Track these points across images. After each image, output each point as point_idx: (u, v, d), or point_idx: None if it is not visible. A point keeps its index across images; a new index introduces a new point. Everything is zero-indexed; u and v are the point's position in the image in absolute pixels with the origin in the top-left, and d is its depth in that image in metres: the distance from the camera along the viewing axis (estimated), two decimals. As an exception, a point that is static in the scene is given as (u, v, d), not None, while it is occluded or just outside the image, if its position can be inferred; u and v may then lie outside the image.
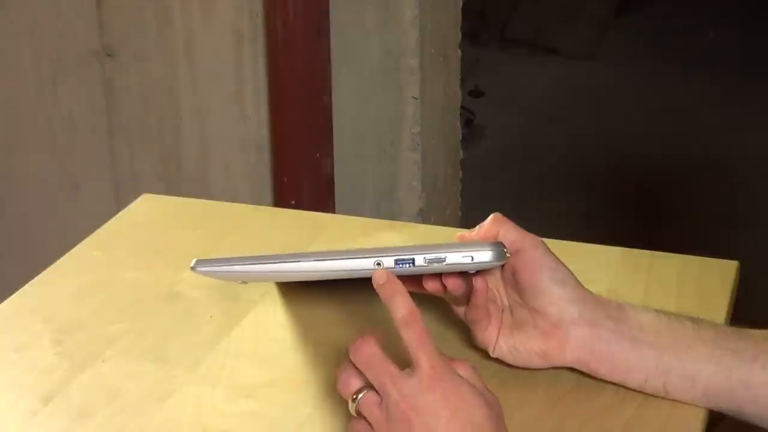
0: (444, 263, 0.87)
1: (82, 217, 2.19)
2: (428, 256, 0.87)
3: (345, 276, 0.93)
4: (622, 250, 1.15)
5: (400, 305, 0.83)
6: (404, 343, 0.82)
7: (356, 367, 0.83)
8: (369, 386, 0.82)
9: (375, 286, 0.85)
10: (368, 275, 0.88)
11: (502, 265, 0.94)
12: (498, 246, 0.88)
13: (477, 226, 0.94)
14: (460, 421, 0.79)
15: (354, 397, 0.82)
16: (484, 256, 0.87)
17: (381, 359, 0.82)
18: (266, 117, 2.07)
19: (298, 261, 0.91)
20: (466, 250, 0.87)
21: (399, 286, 0.84)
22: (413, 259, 0.87)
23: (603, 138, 3.50)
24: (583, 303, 0.92)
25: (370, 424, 0.82)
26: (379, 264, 0.87)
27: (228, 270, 0.97)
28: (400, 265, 0.87)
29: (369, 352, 0.82)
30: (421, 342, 0.81)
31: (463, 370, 0.82)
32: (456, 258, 0.86)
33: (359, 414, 0.82)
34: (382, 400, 0.81)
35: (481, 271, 0.91)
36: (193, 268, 0.96)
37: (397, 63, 2.03)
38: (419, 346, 0.81)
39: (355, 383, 0.83)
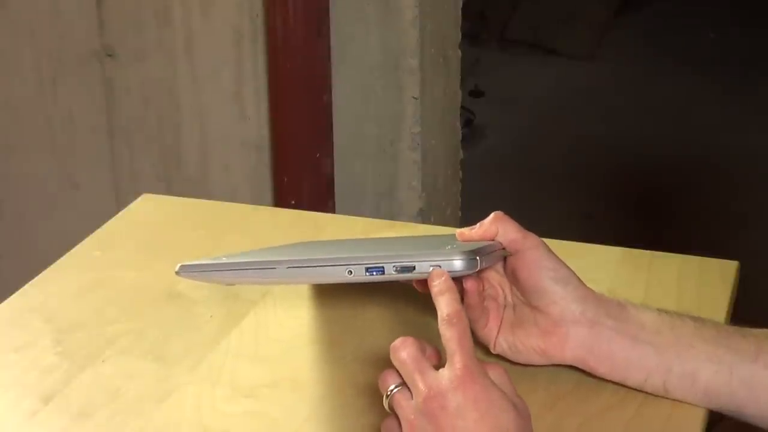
0: (414, 272, 0.87)
1: (82, 217, 2.19)
2: (397, 265, 0.87)
3: (319, 282, 0.97)
4: (622, 250, 1.15)
5: (447, 303, 0.83)
6: (443, 342, 0.82)
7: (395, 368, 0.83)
8: (404, 383, 0.82)
9: (429, 282, 0.86)
10: (341, 282, 0.89)
11: (504, 265, 0.94)
12: (469, 255, 0.87)
13: (478, 224, 0.94)
14: (488, 426, 0.79)
15: (388, 393, 0.83)
16: (452, 265, 0.86)
17: (416, 358, 0.82)
18: (266, 117, 2.07)
19: (273, 268, 0.93)
20: (434, 259, 0.86)
21: (450, 285, 0.85)
22: (383, 268, 0.87)
23: (603, 138, 3.50)
24: (585, 301, 0.92)
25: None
26: (350, 272, 0.88)
27: (208, 276, 0.98)
28: (371, 273, 0.87)
29: (406, 351, 0.82)
30: (460, 342, 0.81)
31: (495, 374, 0.82)
32: (424, 267, 0.86)
33: (392, 410, 0.83)
34: (413, 400, 0.81)
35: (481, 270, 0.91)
36: (177, 273, 0.97)
37: (397, 63, 2.03)
38: (457, 345, 0.81)
39: (391, 380, 0.83)
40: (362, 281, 0.89)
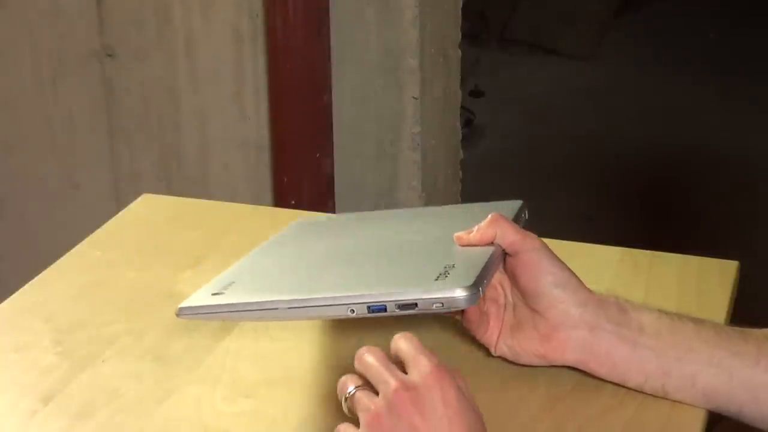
0: (416, 308, 0.86)
1: (82, 217, 2.19)
2: (399, 303, 0.86)
3: (321, 319, 0.99)
4: (622, 250, 1.15)
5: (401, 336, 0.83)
6: (401, 354, 0.81)
7: (357, 373, 0.83)
8: (365, 385, 0.81)
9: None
10: (342, 318, 0.89)
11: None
12: (472, 288, 0.85)
13: (475, 227, 0.92)
14: (464, 428, 0.78)
15: (347, 395, 0.81)
16: (455, 301, 0.85)
17: (384, 360, 0.81)
18: (266, 117, 2.07)
19: (275, 309, 0.92)
20: (437, 296, 0.85)
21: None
22: (385, 306, 0.87)
23: (603, 138, 3.50)
24: (585, 305, 0.91)
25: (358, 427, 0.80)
26: (352, 311, 0.88)
27: (208, 317, 0.98)
28: (372, 311, 0.87)
29: (374, 356, 0.82)
30: (420, 349, 0.81)
31: (460, 381, 0.81)
32: (427, 304, 0.85)
33: (351, 412, 0.81)
34: (377, 396, 0.80)
35: None
36: (177, 315, 0.96)
37: (397, 63, 2.03)
38: (418, 350, 0.80)
39: (352, 382, 0.82)
40: (365, 317, 0.89)
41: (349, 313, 0.88)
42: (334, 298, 0.89)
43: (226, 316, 0.97)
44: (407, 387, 0.78)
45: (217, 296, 0.96)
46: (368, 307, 0.87)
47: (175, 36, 2.07)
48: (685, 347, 0.90)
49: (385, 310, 0.87)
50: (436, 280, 0.87)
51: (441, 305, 0.85)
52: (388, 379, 0.79)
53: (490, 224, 0.92)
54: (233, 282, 0.98)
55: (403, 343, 0.82)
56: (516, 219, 1.00)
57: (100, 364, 0.99)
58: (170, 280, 1.11)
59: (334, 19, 2.00)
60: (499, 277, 0.94)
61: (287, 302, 0.91)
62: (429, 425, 0.77)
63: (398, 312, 0.86)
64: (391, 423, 0.78)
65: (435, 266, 0.89)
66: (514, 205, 1.03)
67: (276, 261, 1.06)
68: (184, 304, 0.96)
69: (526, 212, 1.03)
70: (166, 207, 1.33)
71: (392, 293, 0.87)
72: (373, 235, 1.09)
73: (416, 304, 0.86)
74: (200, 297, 0.97)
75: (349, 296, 0.88)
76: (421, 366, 0.79)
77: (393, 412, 0.78)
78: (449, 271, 0.88)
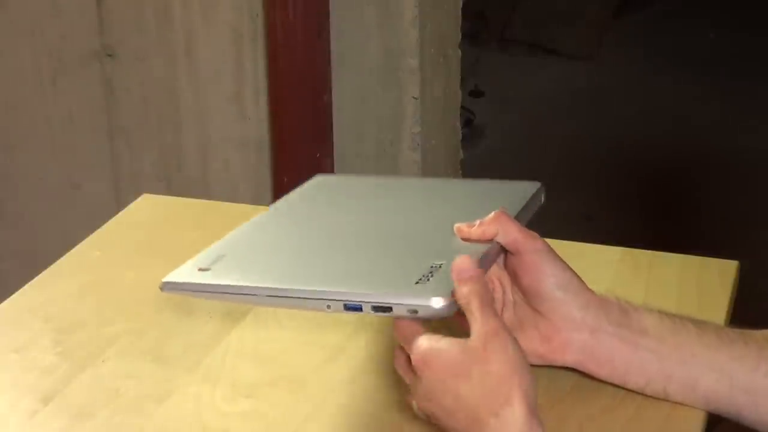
0: (391, 312, 0.85)
1: (82, 217, 2.19)
2: (375, 305, 0.85)
3: (299, 310, 0.98)
4: (622, 250, 1.15)
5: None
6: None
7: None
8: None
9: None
10: (321, 312, 0.89)
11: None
12: (448, 298, 0.83)
13: (477, 221, 0.91)
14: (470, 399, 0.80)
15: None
16: (431, 312, 0.83)
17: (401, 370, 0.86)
18: (266, 117, 2.07)
19: (254, 295, 0.91)
20: (411, 303, 0.84)
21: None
22: (360, 306, 0.86)
23: (602, 138, 3.50)
24: (587, 308, 0.90)
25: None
26: (329, 306, 0.87)
27: (191, 295, 0.96)
28: (348, 310, 0.86)
29: (399, 361, 0.86)
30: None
31: (437, 343, 0.84)
32: (401, 310, 0.84)
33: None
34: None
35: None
36: (161, 289, 0.94)
37: (397, 63, 2.03)
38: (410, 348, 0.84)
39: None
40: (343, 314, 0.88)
41: (326, 309, 0.87)
42: (312, 291, 0.88)
43: (207, 296, 0.95)
44: (424, 397, 0.82)
45: (202, 273, 0.94)
46: (344, 305, 0.86)
47: (175, 36, 2.08)
48: (687, 352, 0.89)
49: (360, 309, 0.86)
50: (417, 283, 0.85)
51: (415, 312, 0.83)
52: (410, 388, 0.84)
53: (492, 221, 0.90)
54: (223, 256, 0.96)
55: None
56: (531, 201, 0.99)
57: (100, 364, 0.99)
58: (170, 280, 1.11)
59: (334, 19, 2.00)
60: (498, 273, 0.93)
61: (266, 290, 0.90)
62: (449, 409, 0.81)
63: (373, 313, 0.85)
64: (437, 412, 0.82)
65: (422, 264, 0.88)
66: (533, 186, 1.02)
67: (269, 237, 1.04)
68: (169, 278, 0.94)
69: (543, 195, 1.01)
70: (166, 207, 1.33)
71: (369, 294, 0.86)
72: (376, 214, 1.06)
73: (391, 308, 0.84)
74: (186, 271, 0.95)
75: (326, 292, 0.87)
76: (415, 364, 0.83)
77: (435, 416, 0.82)
78: (433, 273, 0.86)
